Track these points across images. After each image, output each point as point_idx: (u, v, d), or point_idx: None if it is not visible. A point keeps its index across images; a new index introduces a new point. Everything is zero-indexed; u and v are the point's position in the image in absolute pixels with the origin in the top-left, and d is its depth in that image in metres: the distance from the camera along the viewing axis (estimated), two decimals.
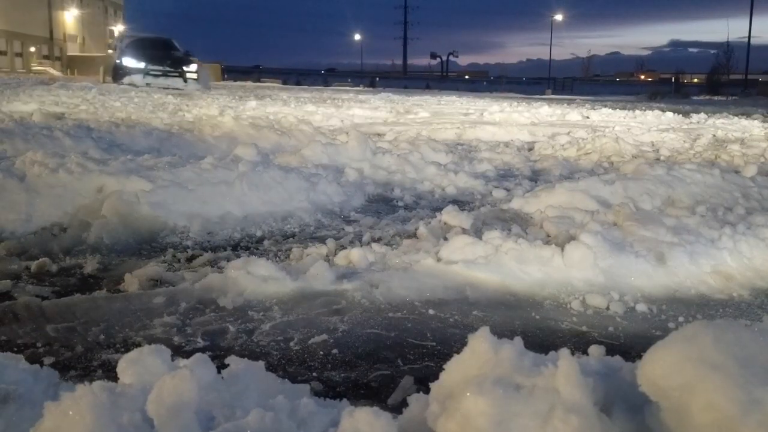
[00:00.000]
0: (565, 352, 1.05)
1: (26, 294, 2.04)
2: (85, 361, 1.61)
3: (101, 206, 2.85)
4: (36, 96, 10.21)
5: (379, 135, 7.12)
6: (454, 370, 1.20)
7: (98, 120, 6.42)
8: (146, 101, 10.33)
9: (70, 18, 43.82)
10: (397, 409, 1.40)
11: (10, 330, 1.78)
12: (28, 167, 3.15)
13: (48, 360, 1.58)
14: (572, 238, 2.53)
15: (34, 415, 1.04)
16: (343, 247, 2.61)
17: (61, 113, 7.37)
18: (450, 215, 3.00)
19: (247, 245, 2.74)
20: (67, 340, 1.72)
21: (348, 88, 31.66)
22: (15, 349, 1.65)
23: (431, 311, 2.01)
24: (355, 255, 2.40)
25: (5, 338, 1.73)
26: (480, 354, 1.18)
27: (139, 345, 1.30)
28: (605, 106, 15.78)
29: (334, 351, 1.71)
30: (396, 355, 1.70)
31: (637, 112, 13.33)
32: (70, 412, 0.98)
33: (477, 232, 2.78)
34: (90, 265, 2.37)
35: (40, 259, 2.36)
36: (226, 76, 35.36)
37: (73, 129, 5.00)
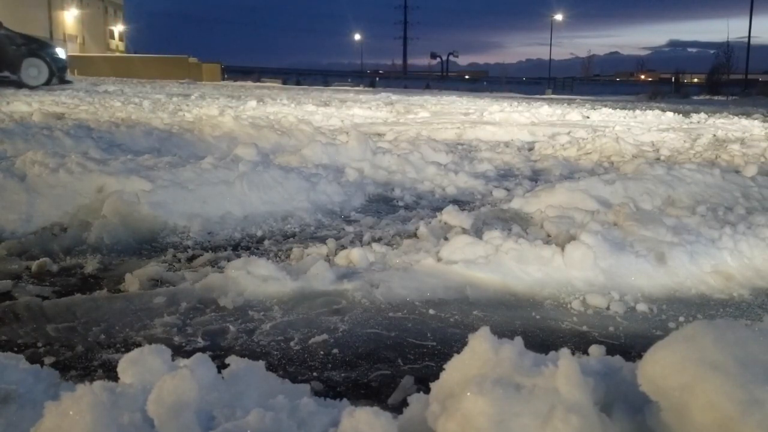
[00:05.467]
0: (565, 351, 1.05)
1: (27, 294, 2.05)
2: (85, 361, 1.61)
3: (101, 206, 2.85)
4: (36, 96, 10.21)
5: (379, 135, 7.13)
6: (455, 369, 1.20)
7: (98, 120, 6.42)
8: (145, 101, 10.33)
9: (70, 18, 43.82)
10: (398, 409, 1.40)
11: (10, 330, 1.78)
12: (28, 167, 3.15)
13: (48, 360, 1.58)
14: (572, 238, 2.53)
15: (35, 415, 1.04)
16: (343, 247, 2.61)
17: (61, 113, 7.37)
18: (450, 215, 3.00)
19: (247, 245, 2.74)
20: (67, 340, 1.72)
21: (348, 88, 31.66)
22: (16, 349, 1.65)
23: (431, 311, 2.01)
24: (356, 255, 2.41)
25: (6, 338, 1.73)
26: (480, 354, 1.19)
27: (139, 345, 1.30)
28: (605, 106, 15.78)
29: (335, 351, 1.71)
30: (396, 355, 1.70)
31: (637, 111, 13.33)
32: (71, 412, 0.98)
33: (477, 232, 2.78)
34: (90, 265, 2.37)
35: (41, 259, 2.36)
36: (225, 75, 35.42)
37: (73, 129, 5.00)
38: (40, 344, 1.69)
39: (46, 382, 1.22)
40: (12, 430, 1.05)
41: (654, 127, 9.08)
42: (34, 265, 2.32)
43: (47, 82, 13.18)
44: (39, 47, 13.55)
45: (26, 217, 2.83)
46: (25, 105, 8.36)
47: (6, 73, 12.95)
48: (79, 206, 2.96)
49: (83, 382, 1.09)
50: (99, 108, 8.65)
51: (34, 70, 13.09)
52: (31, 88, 12.70)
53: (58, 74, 13.55)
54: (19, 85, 12.79)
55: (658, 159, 5.65)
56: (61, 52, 14.02)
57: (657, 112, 12.86)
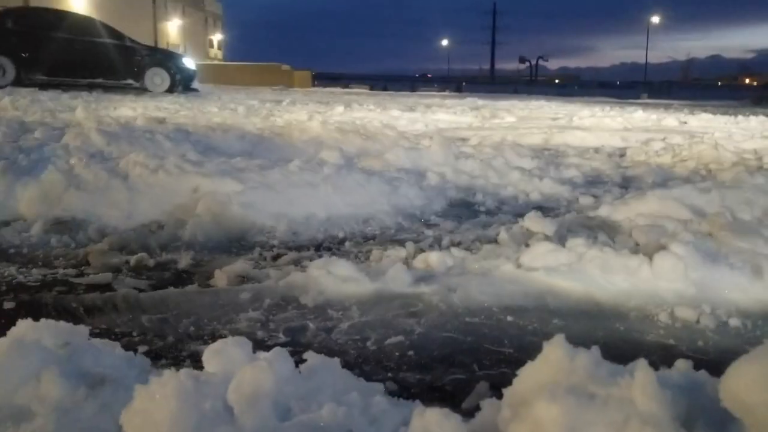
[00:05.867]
0: (642, 362, 1.03)
1: (125, 286, 2.19)
2: (174, 350, 1.70)
3: (196, 205, 3.01)
4: (140, 102, 10.84)
5: (463, 139, 7.09)
6: (528, 376, 1.20)
7: (196, 124, 6.74)
8: (240, 106, 10.75)
9: (173, 28, 46.28)
10: (471, 414, 1.40)
11: (109, 319, 1.91)
12: (130, 167, 3.36)
13: (141, 348, 1.69)
14: (662, 247, 2.43)
15: (126, 398, 1.12)
16: (422, 251, 2.63)
17: (163, 118, 7.78)
18: (533, 221, 2.95)
19: (329, 246, 2.81)
20: (159, 331, 1.83)
21: (434, 93, 31.66)
22: (112, 336, 1.77)
23: (509, 318, 1.99)
24: (434, 258, 2.41)
25: (104, 326, 1.85)
26: (554, 361, 1.17)
27: (224, 337, 1.37)
28: (705, 111, 14.99)
29: (410, 353, 1.72)
30: (471, 360, 1.70)
31: (740, 117, 12.61)
32: (158, 396, 1.05)
33: (560, 239, 2.72)
34: (184, 260, 2.50)
35: (139, 254, 2.51)
36: (315, 82, 36.29)
37: (172, 132, 5.27)
38: (134, 333, 1.81)
39: (138, 369, 1.31)
40: (105, 410, 1.13)
41: (758, 134, 8.55)
42: (133, 259, 2.47)
43: (170, 90, 14.51)
44: (164, 58, 15.12)
45: (127, 215, 3.02)
46: (130, 110, 8.89)
47: (130, 81, 14.49)
48: (176, 205, 3.13)
49: (171, 369, 1.16)
50: (197, 113, 9.08)
51: (157, 78, 14.55)
52: (151, 94, 14.03)
53: (183, 83, 14.92)
54: (143, 91, 14.10)
55: (761, 167, 5.32)
56: (188, 62, 15.53)
57: (762, 117, 12.10)
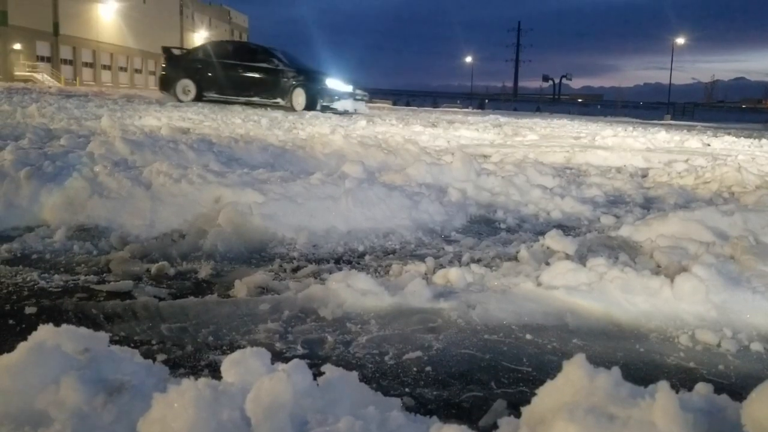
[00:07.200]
0: (664, 384, 1.01)
1: (145, 294, 2.20)
2: (193, 359, 1.71)
3: (217, 216, 3.03)
4: (165, 112, 10.99)
5: (484, 156, 7.09)
6: (547, 395, 1.19)
7: (219, 135, 6.81)
8: (264, 119, 10.85)
9: (200, 39, 46.96)
10: (488, 431, 1.39)
11: (128, 327, 1.92)
12: (154, 177, 3.40)
13: (160, 356, 1.70)
14: (684, 269, 2.40)
15: (144, 406, 1.12)
16: (441, 266, 2.62)
17: (187, 128, 7.87)
18: (553, 240, 2.93)
19: (349, 259, 2.81)
20: (178, 340, 1.84)
21: (457, 109, 31.71)
22: (132, 344, 1.78)
23: (528, 336, 1.97)
24: (454, 275, 2.41)
25: (124, 334, 1.87)
26: (574, 381, 1.16)
27: (242, 347, 1.37)
28: (728, 134, 14.86)
29: (428, 368, 1.72)
30: (490, 378, 1.69)
31: (764, 140, 12.48)
32: (176, 405, 1.05)
33: (581, 258, 2.70)
34: (204, 270, 2.52)
35: (160, 263, 2.53)
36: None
37: (196, 143, 5.33)
38: (153, 341, 1.82)
39: (157, 377, 1.32)
40: (123, 418, 1.13)
41: None
42: (154, 268, 2.49)
43: (307, 108, 15.90)
44: (305, 79, 16.55)
45: (150, 223, 3.05)
46: (155, 120, 9.01)
47: (278, 100, 16.45)
48: (198, 215, 3.16)
49: (189, 378, 1.17)
50: (221, 124, 9.18)
51: (300, 98, 16.20)
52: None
53: (323, 101, 16.25)
54: (289, 110, 15.66)
55: None
56: (333, 83, 16.68)
57: None
